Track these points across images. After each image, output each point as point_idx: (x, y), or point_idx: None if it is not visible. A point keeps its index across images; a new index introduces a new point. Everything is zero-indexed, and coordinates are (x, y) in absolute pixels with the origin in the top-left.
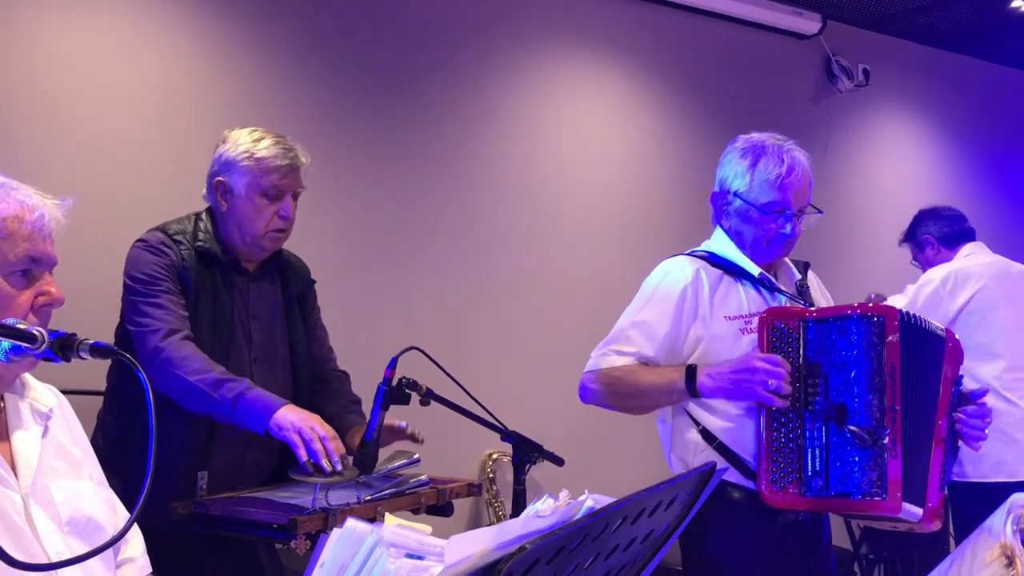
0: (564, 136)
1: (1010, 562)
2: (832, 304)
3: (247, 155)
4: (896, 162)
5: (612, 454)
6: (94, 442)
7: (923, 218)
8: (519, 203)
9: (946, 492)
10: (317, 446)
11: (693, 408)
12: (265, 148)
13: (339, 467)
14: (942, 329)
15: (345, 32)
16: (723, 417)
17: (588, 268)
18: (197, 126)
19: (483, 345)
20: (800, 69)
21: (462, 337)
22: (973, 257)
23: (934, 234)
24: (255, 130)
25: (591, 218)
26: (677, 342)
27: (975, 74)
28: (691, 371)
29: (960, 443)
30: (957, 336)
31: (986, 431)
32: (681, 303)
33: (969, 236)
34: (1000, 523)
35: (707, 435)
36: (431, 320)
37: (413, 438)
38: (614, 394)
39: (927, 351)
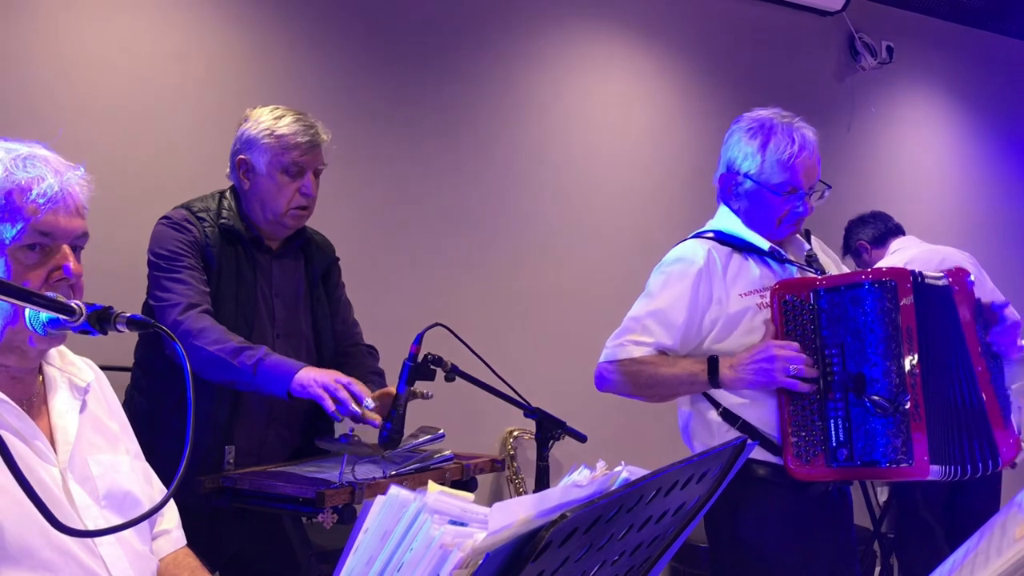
0: (588, 114)
1: None
2: (838, 264)
3: (268, 132)
4: (920, 140)
5: (634, 432)
6: None
7: (853, 227)
8: (544, 181)
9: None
10: (343, 394)
11: (712, 390)
12: (286, 125)
13: (371, 406)
14: (941, 277)
15: (370, 11)
16: (742, 395)
17: (612, 245)
18: (221, 105)
19: (507, 322)
20: (823, 46)
21: (486, 314)
22: (900, 252)
23: (865, 238)
24: (276, 108)
25: (616, 195)
26: (693, 327)
27: (1000, 50)
28: (713, 364)
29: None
30: None
31: (1020, 341)
32: (696, 290)
33: (896, 232)
34: None
35: (728, 415)
36: (456, 297)
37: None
38: (633, 384)
39: (941, 306)
